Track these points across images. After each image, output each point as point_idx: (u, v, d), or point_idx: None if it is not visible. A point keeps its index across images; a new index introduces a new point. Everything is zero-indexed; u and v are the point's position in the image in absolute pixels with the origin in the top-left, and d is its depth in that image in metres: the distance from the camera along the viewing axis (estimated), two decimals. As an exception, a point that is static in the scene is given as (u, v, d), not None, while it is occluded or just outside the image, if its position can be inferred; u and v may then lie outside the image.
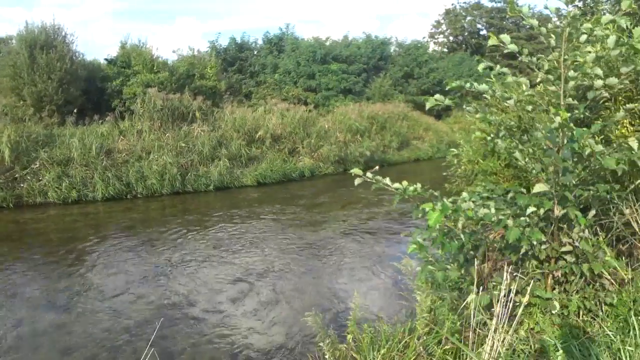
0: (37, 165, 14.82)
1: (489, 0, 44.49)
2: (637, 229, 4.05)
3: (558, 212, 3.72)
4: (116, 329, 6.19)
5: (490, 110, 5.35)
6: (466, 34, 46.45)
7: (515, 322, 3.15)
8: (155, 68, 21.24)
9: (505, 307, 3.09)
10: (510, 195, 3.96)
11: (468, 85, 3.83)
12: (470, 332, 3.40)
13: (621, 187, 3.93)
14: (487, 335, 3.14)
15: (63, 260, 9.18)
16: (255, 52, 33.48)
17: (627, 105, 3.77)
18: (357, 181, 3.96)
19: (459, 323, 3.80)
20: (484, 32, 45.35)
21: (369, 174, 3.95)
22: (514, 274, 3.60)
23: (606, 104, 4.57)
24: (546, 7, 3.62)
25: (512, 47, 3.64)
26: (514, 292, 3.16)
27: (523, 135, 4.38)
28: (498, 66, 3.93)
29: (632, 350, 3.06)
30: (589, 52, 3.55)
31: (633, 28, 3.40)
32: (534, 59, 3.82)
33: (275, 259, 9.17)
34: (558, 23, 3.60)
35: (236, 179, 17.67)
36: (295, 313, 6.45)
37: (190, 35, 72.56)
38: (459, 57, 38.73)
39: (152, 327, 5.97)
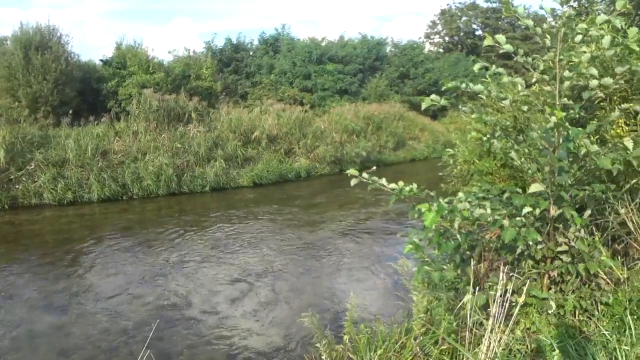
0: (33, 167, 14.76)
1: (485, 1, 44.54)
2: (632, 229, 4.07)
3: (554, 212, 3.73)
4: (113, 330, 6.17)
5: (485, 111, 5.35)
6: (462, 34, 46.50)
7: (511, 322, 3.15)
8: (150, 69, 21.20)
9: (502, 307, 3.09)
10: (506, 195, 3.97)
11: (464, 85, 3.84)
12: (467, 332, 3.40)
13: (616, 186, 3.95)
14: (484, 335, 3.14)
15: (59, 261, 9.15)
16: (251, 53, 33.47)
17: (622, 105, 3.79)
18: (353, 182, 3.96)
19: (455, 323, 3.80)
20: (479, 32, 45.41)
21: (365, 175, 3.95)
22: (510, 274, 3.61)
23: (601, 104, 4.59)
24: (541, 8, 3.64)
25: (508, 48, 3.65)
26: (510, 292, 3.16)
27: (519, 136, 4.39)
28: (494, 66, 3.94)
29: (628, 350, 3.07)
30: (584, 52, 3.56)
31: (628, 28, 3.41)
32: (530, 59, 3.83)
33: (272, 259, 9.16)
34: (553, 23, 3.61)
35: (232, 179, 17.65)
36: (293, 314, 6.45)
37: (185, 35, 72.47)
38: (454, 58, 38.78)
39: (150, 329, 5.95)
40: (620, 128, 4.53)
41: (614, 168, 3.33)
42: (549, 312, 3.62)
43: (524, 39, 35.12)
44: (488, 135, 4.34)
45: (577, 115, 3.86)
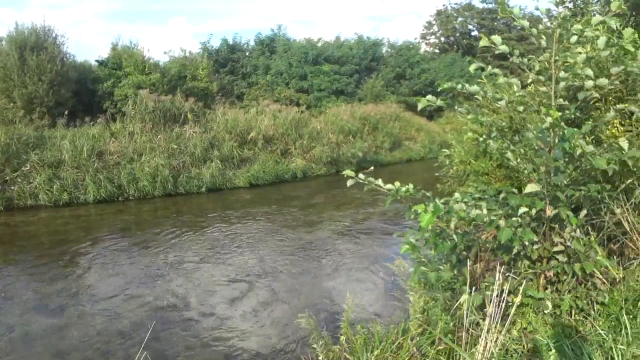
0: (28, 168, 14.70)
1: (480, 1, 44.71)
2: (628, 229, 4.08)
3: (550, 212, 3.74)
4: (110, 332, 6.16)
5: (481, 111, 5.37)
6: (457, 34, 46.62)
7: (507, 322, 3.16)
8: (146, 69, 21.14)
9: (498, 307, 3.10)
10: (502, 195, 3.98)
11: (460, 86, 3.85)
12: (463, 333, 3.41)
13: (612, 187, 3.96)
14: (480, 336, 3.15)
15: (55, 262, 9.12)
16: (247, 53, 33.45)
17: (618, 106, 3.80)
18: (349, 182, 3.97)
19: (452, 323, 3.81)
20: (475, 33, 45.53)
21: (361, 176, 3.96)
22: (507, 274, 3.62)
23: (597, 104, 4.60)
24: (537, 9, 3.64)
25: (504, 48, 3.66)
26: (507, 292, 3.17)
27: (515, 136, 4.40)
28: (489, 67, 3.95)
29: (624, 349, 3.08)
30: (580, 53, 3.57)
31: (623, 29, 3.42)
32: (525, 60, 3.84)
33: (269, 259, 9.16)
34: (549, 24, 3.62)
35: (228, 180, 17.64)
36: (290, 314, 6.44)
37: (181, 36, 72.40)
38: (450, 58, 38.87)
39: (146, 330, 5.94)
40: (616, 128, 4.54)
41: (610, 168, 3.34)
42: (545, 312, 3.62)
43: (520, 40, 35.23)
44: (484, 136, 4.35)
45: (573, 116, 3.87)
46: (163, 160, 16.44)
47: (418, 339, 3.93)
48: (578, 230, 3.77)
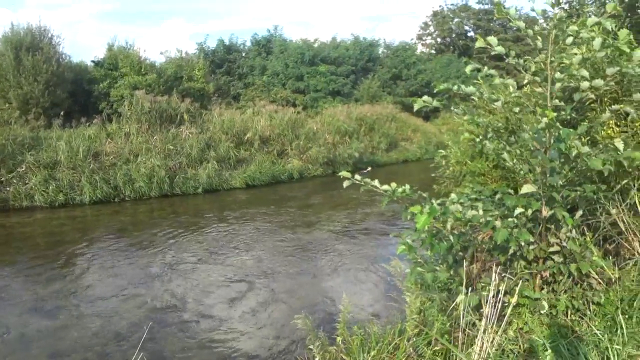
0: (24, 169, 14.66)
1: (477, 2, 44.80)
2: (623, 229, 4.10)
3: (546, 212, 3.75)
4: (106, 333, 6.15)
5: (478, 112, 5.37)
6: (454, 35, 46.70)
7: (504, 322, 3.17)
8: (142, 70, 21.15)
9: (494, 308, 3.10)
10: (498, 196, 3.98)
11: (456, 87, 3.85)
12: (460, 333, 3.42)
13: (607, 187, 3.97)
14: (477, 336, 3.15)
15: (51, 264, 9.09)
16: (244, 54, 33.47)
17: (613, 107, 3.81)
18: (345, 183, 3.97)
19: (448, 324, 3.81)
20: (471, 33, 45.64)
21: (357, 177, 3.96)
22: (503, 275, 3.62)
23: (592, 105, 4.61)
24: (533, 10, 3.66)
25: (499, 49, 3.66)
26: (503, 292, 3.18)
27: (511, 137, 4.41)
28: (485, 68, 3.95)
29: (619, 349, 3.09)
30: (575, 54, 3.58)
31: (618, 30, 3.43)
32: (521, 60, 3.85)
33: (266, 260, 9.15)
34: (545, 25, 3.63)
35: (225, 181, 17.62)
36: (287, 315, 6.44)
37: (178, 37, 72.34)
38: (446, 59, 38.95)
39: (143, 331, 5.93)
40: (611, 129, 4.56)
41: (605, 169, 3.35)
42: (542, 312, 3.63)
43: (516, 41, 35.31)
44: (480, 137, 4.36)
45: (569, 117, 3.88)
46: (159, 161, 16.41)
47: (415, 339, 3.93)
48: (574, 231, 3.78)
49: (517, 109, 4.08)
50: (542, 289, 3.84)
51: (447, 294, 4.23)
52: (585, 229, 4.13)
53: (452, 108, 4.68)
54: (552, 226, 3.86)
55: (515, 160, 4.09)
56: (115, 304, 7.17)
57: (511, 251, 3.83)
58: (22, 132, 15.84)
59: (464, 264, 3.72)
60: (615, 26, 3.56)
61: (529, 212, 3.62)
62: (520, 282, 3.65)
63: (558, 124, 3.41)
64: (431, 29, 47.64)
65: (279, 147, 20.57)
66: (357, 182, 3.98)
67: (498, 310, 3.11)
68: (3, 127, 15.59)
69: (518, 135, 4.19)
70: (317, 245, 10.19)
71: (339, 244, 10.20)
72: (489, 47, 3.66)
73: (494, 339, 3.13)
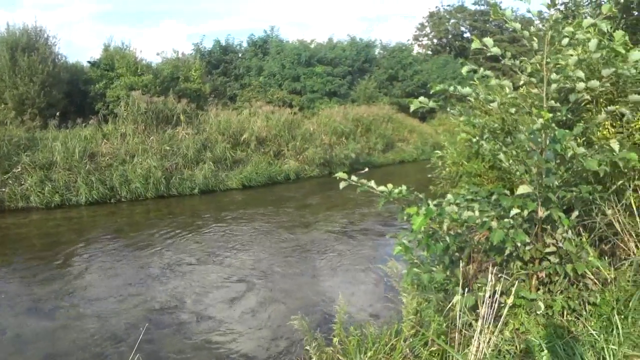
0: (19, 170, 14.61)
1: (473, 3, 44.90)
2: (619, 229, 4.11)
3: (542, 213, 3.75)
4: (102, 334, 6.13)
5: (474, 113, 5.38)
6: (450, 36, 46.79)
7: (500, 322, 3.17)
8: (139, 71, 21.09)
9: (491, 308, 3.11)
10: (494, 197, 3.99)
11: (452, 88, 3.86)
12: (456, 334, 3.42)
13: (603, 188, 3.98)
14: (473, 337, 3.16)
15: (47, 265, 9.07)
16: (240, 55, 33.42)
17: (608, 108, 3.82)
18: (342, 185, 3.97)
19: (444, 325, 3.82)
20: (467, 34, 45.71)
21: (353, 178, 3.96)
22: (499, 275, 3.63)
23: (588, 106, 4.62)
24: (529, 11, 3.66)
25: (495, 51, 3.67)
26: (499, 293, 3.18)
27: (507, 137, 4.42)
28: (482, 69, 3.96)
29: (615, 349, 3.10)
30: (571, 55, 3.59)
31: (613, 32, 3.44)
32: (517, 61, 3.85)
33: (263, 261, 9.14)
34: (540, 26, 3.63)
35: (221, 182, 17.61)
36: (284, 316, 6.43)
37: (174, 37, 72.16)
38: (443, 60, 39.02)
39: (139, 332, 5.92)
40: (607, 130, 4.57)
41: (601, 169, 3.36)
42: (538, 312, 3.64)
43: (512, 42, 35.39)
44: (477, 137, 4.36)
45: (564, 118, 3.88)
46: (155, 161, 16.38)
47: (411, 340, 3.93)
48: (570, 231, 3.79)
49: (513, 110, 4.09)
50: (538, 289, 3.85)
51: (444, 294, 4.24)
52: (581, 229, 4.14)
53: (448, 109, 4.68)
54: (548, 227, 3.86)
55: (511, 161, 4.10)
56: (111, 304, 7.15)
57: (507, 252, 3.84)
58: (17, 132, 15.79)
59: (461, 265, 3.72)
60: (611, 27, 3.57)
61: (525, 212, 3.63)
62: (517, 282, 3.66)
63: (554, 124, 3.42)
64: (427, 29, 47.76)
65: (276, 148, 20.57)
66: (354, 183, 3.98)
67: (494, 310, 3.11)
68: (-1, 128, 15.54)
69: (514, 136, 4.20)
70: (314, 245, 10.19)
71: (336, 245, 10.20)
72: (485, 48, 3.67)
73: (490, 339, 3.13)
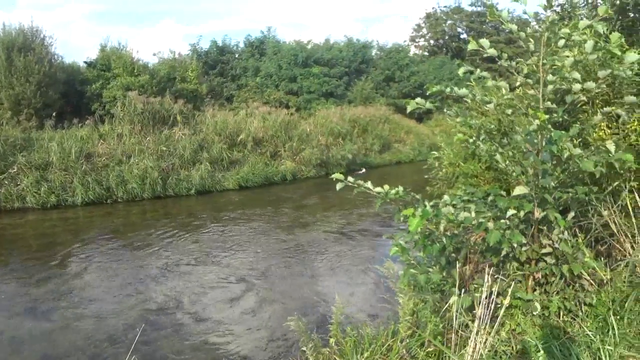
0: (15, 170, 14.56)
1: (469, 5, 44.99)
2: (615, 230, 4.12)
3: (538, 214, 3.76)
4: (98, 335, 6.11)
5: (470, 114, 5.39)
6: (447, 37, 46.87)
7: (497, 323, 3.17)
8: (135, 71, 21.04)
9: (487, 309, 3.11)
10: (490, 197, 3.99)
11: (448, 90, 3.86)
12: (453, 334, 3.42)
13: (599, 189, 3.99)
14: (470, 337, 3.16)
15: (43, 266, 9.04)
16: (237, 55, 33.40)
17: (604, 109, 3.83)
18: (338, 186, 3.97)
19: (441, 325, 3.82)
20: (464, 35, 45.80)
21: (350, 179, 3.97)
22: (495, 276, 3.64)
23: (584, 107, 4.64)
24: (525, 12, 3.67)
25: (492, 52, 3.68)
26: (496, 293, 3.19)
27: (503, 139, 4.43)
28: (478, 70, 3.97)
29: (611, 350, 3.11)
30: (567, 56, 3.60)
31: (609, 33, 3.46)
32: (514, 63, 3.86)
33: (259, 262, 9.14)
34: (537, 27, 3.65)
35: (218, 182, 17.59)
36: (282, 317, 6.43)
37: (171, 38, 72.11)
38: (439, 61, 39.10)
39: (135, 333, 5.91)
40: (603, 131, 4.58)
41: (597, 170, 3.37)
42: (534, 313, 3.65)
43: (508, 43, 35.48)
44: (473, 138, 4.37)
45: (560, 119, 3.90)
46: (152, 162, 16.35)
47: (407, 341, 3.93)
48: (566, 232, 3.79)
49: (509, 111, 4.10)
50: (535, 290, 3.86)
51: (440, 295, 4.25)
52: (577, 230, 4.16)
53: (445, 110, 4.69)
54: (545, 228, 3.88)
55: (507, 162, 4.11)
56: (108, 305, 7.13)
57: (504, 253, 3.85)
58: (13, 133, 15.73)
59: (457, 266, 3.73)
60: (607, 29, 3.58)
61: (522, 213, 3.64)
62: (513, 283, 3.66)
63: (550, 126, 3.43)
64: (424, 30, 47.83)
65: (272, 148, 20.56)
66: (350, 184, 3.98)
67: (491, 311, 3.12)
68: (-6, 128, 15.50)
69: (510, 137, 4.21)
70: (312, 246, 10.19)
71: (334, 245, 10.20)
72: (481, 49, 3.68)
73: (486, 340, 3.14)
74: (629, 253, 4.01)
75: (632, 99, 3.62)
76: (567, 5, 5.56)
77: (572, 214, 3.89)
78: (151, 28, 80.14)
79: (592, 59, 3.54)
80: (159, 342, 5.94)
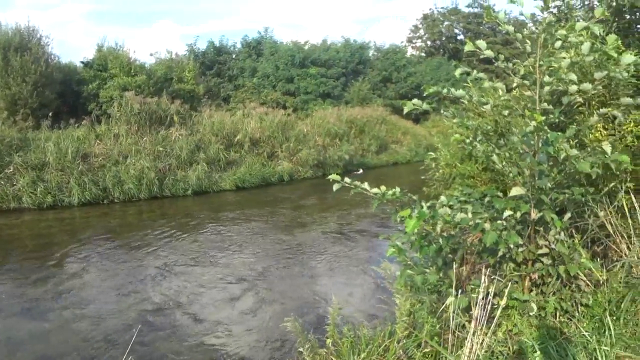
0: (11, 170, 14.52)
1: (466, 6, 45.11)
2: (611, 231, 4.14)
3: (534, 215, 3.77)
4: (95, 336, 6.10)
5: (467, 115, 5.40)
6: (444, 38, 46.92)
7: (493, 324, 3.18)
8: (132, 71, 20.99)
9: (484, 310, 3.12)
10: (487, 198, 4.00)
11: (445, 91, 3.87)
12: (450, 335, 3.43)
13: (595, 190, 4.01)
14: (466, 338, 3.17)
15: (39, 266, 9.02)
16: (234, 56, 33.38)
17: (601, 110, 3.85)
18: (335, 187, 3.97)
19: (438, 326, 3.82)
20: (461, 37, 45.87)
21: (347, 180, 3.97)
22: (492, 277, 3.64)
23: (580, 108, 4.65)
24: (521, 14, 3.68)
25: (489, 53, 3.69)
26: (492, 294, 3.19)
27: (500, 140, 4.43)
28: (475, 71, 3.97)
29: (607, 350, 3.11)
30: (564, 58, 3.61)
31: (606, 35, 3.47)
32: (510, 64, 3.87)
33: (256, 262, 9.13)
34: (533, 29, 3.66)
35: (214, 183, 17.58)
36: (277, 317, 6.43)
37: (168, 38, 72.03)
38: (436, 62, 39.14)
39: (132, 334, 5.89)
40: (599, 132, 4.60)
41: (593, 172, 3.38)
42: (530, 314, 3.65)
43: (505, 44, 35.52)
44: (470, 139, 4.38)
45: (557, 120, 3.91)
46: (149, 162, 16.33)
47: (404, 341, 3.94)
48: (562, 233, 3.80)
49: (506, 112, 4.11)
50: (531, 291, 3.87)
51: (437, 296, 4.25)
52: (573, 231, 4.17)
53: (441, 111, 4.69)
54: (541, 228, 3.88)
55: (504, 163, 4.12)
56: (105, 306, 7.12)
57: (500, 253, 3.85)
58: (10, 133, 15.67)
59: (454, 266, 3.73)
60: (603, 31, 3.59)
61: (518, 214, 3.65)
62: (510, 284, 3.67)
63: (546, 127, 3.44)
64: (421, 32, 47.88)
65: (269, 149, 20.56)
66: (347, 185, 3.99)
67: (487, 312, 3.12)
68: (-10, 128, 15.45)
69: (507, 138, 4.22)
70: (310, 246, 10.20)
71: (332, 246, 10.21)
72: (478, 50, 3.68)
73: (483, 340, 3.14)
74: (625, 254, 4.03)
75: (628, 100, 3.63)
76: (563, 7, 5.57)
77: (568, 214, 3.90)
78: (148, 28, 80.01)
79: (588, 60, 3.55)
80: (156, 342, 5.93)
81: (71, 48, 60.19)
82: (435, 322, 3.84)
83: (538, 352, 3.16)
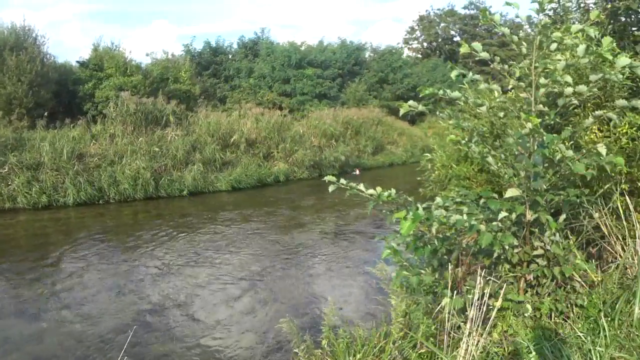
0: (6, 170, 14.45)
1: (463, 8, 45.33)
2: (606, 232, 4.16)
3: (529, 216, 3.79)
4: (89, 337, 6.07)
5: (463, 116, 5.42)
6: (440, 40, 47.07)
7: (488, 325, 3.19)
8: (128, 71, 20.97)
9: (479, 311, 3.13)
10: (482, 200, 4.02)
11: (441, 92, 3.88)
12: (445, 336, 3.44)
13: (590, 191, 4.03)
14: (462, 339, 3.18)
15: (34, 267, 8.98)
16: (230, 56, 33.37)
17: (596, 112, 3.86)
18: (331, 188, 3.98)
19: (433, 327, 3.83)
20: (457, 38, 46.04)
21: (343, 181, 3.98)
22: (487, 278, 3.65)
23: (576, 110, 4.67)
24: (518, 16, 3.70)
25: (484, 55, 3.70)
26: (487, 295, 3.20)
27: (495, 141, 4.45)
28: (471, 73, 3.99)
29: (602, 351, 3.13)
30: (559, 60, 3.62)
31: (601, 37, 3.49)
32: (506, 66, 3.89)
33: (252, 263, 9.11)
34: (529, 31, 3.68)
35: (210, 183, 17.54)
36: (274, 318, 6.42)
37: (164, 38, 71.94)
38: (432, 63, 39.24)
39: (127, 334, 5.88)
40: (594, 134, 4.62)
41: (588, 173, 3.39)
42: (526, 314, 3.67)
43: (501, 46, 35.66)
44: (466, 140, 4.39)
45: (552, 122, 3.93)
46: (144, 163, 16.28)
47: (400, 342, 3.94)
48: (557, 234, 3.82)
49: (501, 114, 4.13)
50: (526, 292, 3.88)
51: (432, 297, 4.26)
52: (568, 232, 4.19)
53: (437, 112, 4.71)
54: (536, 230, 3.90)
55: (499, 165, 4.13)
56: (100, 306, 7.10)
57: (495, 255, 3.87)
58: (5, 132, 15.60)
59: (449, 268, 3.75)
60: (598, 33, 3.61)
61: (513, 215, 3.66)
62: (505, 285, 3.68)
63: (542, 129, 3.46)
64: (417, 33, 48.04)
65: (265, 150, 20.54)
66: (343, 186, 4.00)
67: (483, 313, 3.14)
68: (-15, 128, 15.40)
69: (503, 139, 4.24)
70: (306, 247, 10.18)
71: (328, 247, 10.20)
72: (474, 52, 3.70)
73: (478, 341, 3.15)
74: (619, 255, 4.05)
75: (623, 102, 3.65)
76: (559, 9, 5.60)
77: (563, 216, 3.92)
78: (144, 28, 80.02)
79: (584, 62, 3.57)
80: (152, 343, 5.91)
81: (67, 48, 60.15)
82: (431, 323, 3.85)
83: (533, 353, 3.18)
